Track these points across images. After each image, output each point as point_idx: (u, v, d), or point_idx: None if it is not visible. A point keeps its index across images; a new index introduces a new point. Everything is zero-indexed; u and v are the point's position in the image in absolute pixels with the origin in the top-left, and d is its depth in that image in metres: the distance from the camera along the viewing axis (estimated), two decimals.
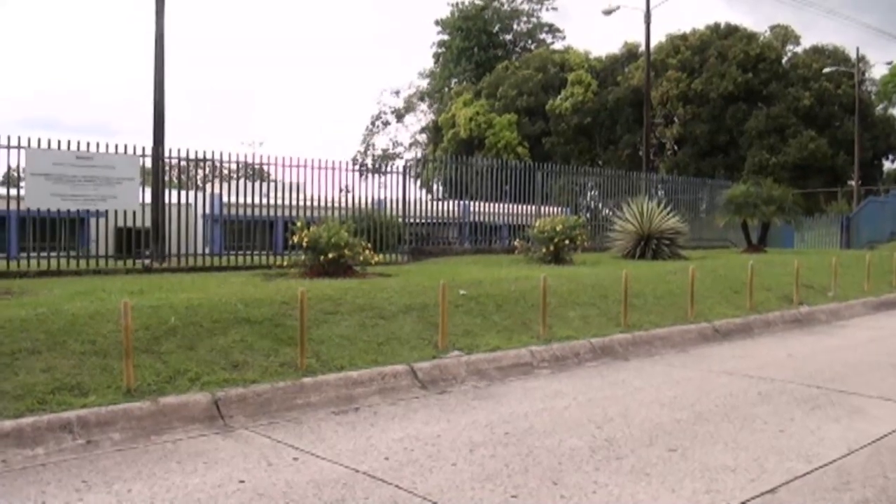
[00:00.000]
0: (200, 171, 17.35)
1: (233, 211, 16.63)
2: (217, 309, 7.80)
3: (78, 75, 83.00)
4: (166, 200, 15.25)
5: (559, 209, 20.72)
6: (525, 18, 59.00)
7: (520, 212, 20.83)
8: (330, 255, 11.55)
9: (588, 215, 22.86)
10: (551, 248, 15.40)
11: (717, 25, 45.60)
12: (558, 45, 55.98)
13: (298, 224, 12.17)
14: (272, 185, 17.61)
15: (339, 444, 5.40)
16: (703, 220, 25.47)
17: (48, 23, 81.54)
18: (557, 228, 15.41)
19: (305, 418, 6.10)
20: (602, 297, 10.83)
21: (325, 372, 6.86)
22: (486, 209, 20.37)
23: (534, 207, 20.80)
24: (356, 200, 17.55)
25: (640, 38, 39.44)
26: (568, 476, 4.75)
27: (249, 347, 7.11)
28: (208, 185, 17.75)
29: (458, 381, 7.37)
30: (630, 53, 47.40)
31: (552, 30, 59.39)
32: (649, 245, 17.50)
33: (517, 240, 17.59)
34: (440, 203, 20.79)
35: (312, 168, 16.68)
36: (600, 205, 24.62)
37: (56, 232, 14.29)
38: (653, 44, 33.30)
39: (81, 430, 5.44)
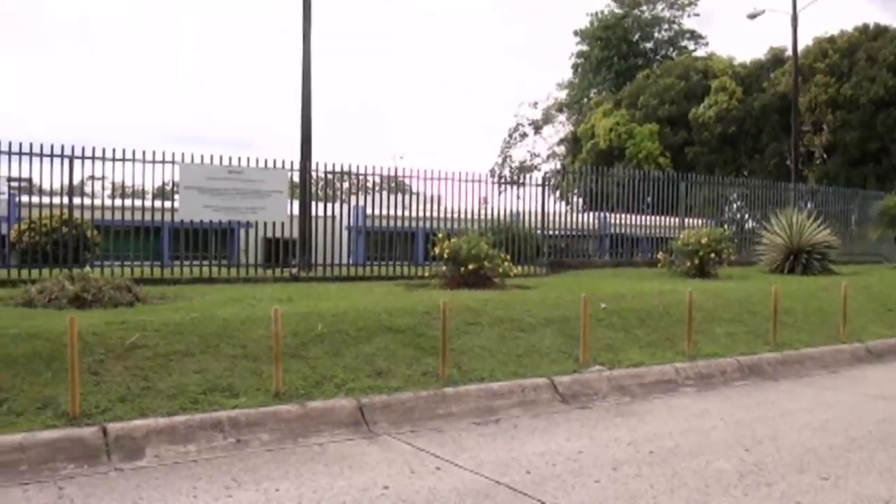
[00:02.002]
0: (344, 184, 17.80)
1: (375, 222, 16.96)
2: (362, 317, 7.98)
3: (223, 94, 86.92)
4: (312, 212, 15.71)
5: (702, 221, 20.13)
6: (666, 25, 57.69)
7: (662, 224, 20.35)
8: (470, 267, 11.62)
9: (733, 228, 22.09)
10: (696, 261, 14.99)
11: (865, 27, 43.20)
12: (701, 52, 54.41)
13: (440, 235, 12.30)
14: (412, 197, 17.87)
15: (481, 455, 5.40)
16: (854, 233, 24.16)
17: (198, 45, 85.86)
18: (703, 241, 14.98)
19: (447, 427, 6.15)
20: (749, 313, 10.44)
21: (465, 382, 6.90)
22: (627, 221, 19.98)
23: (676, 219, 20.28)
24: (494, 212, 17.58)
25: (785, 42, 37.73)
26: (715, 500, 4.59)
27: (393, 356, 7.23)
28: (351, 198, 18.18)
29: (600, 397, 7.25)
30: (775, 58, 45.57)
31: (694, 36, 57.84)
32: (798, 259, 16.77)
33: (660, 252, 17.19)
34: (579, 215, 20.56)
35: (451, 180, 16.82)
36: (746, 216, 23.78)
37: (206, 242, 14.96)
38: (799, 47, 31.80)
39: (232, 429, 5.67)
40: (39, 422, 5.40)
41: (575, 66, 58.60)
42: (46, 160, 13.34)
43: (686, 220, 20.13)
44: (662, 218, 20.48)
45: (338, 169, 15.93)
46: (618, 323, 9.19)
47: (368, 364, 6.99)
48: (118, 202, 14.82)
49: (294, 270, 14.90)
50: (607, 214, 20.13)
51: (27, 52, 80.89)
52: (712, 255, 15.02)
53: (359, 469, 5.07)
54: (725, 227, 19.95)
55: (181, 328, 7.14)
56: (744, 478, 5.00)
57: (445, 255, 11.99)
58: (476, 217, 16.99)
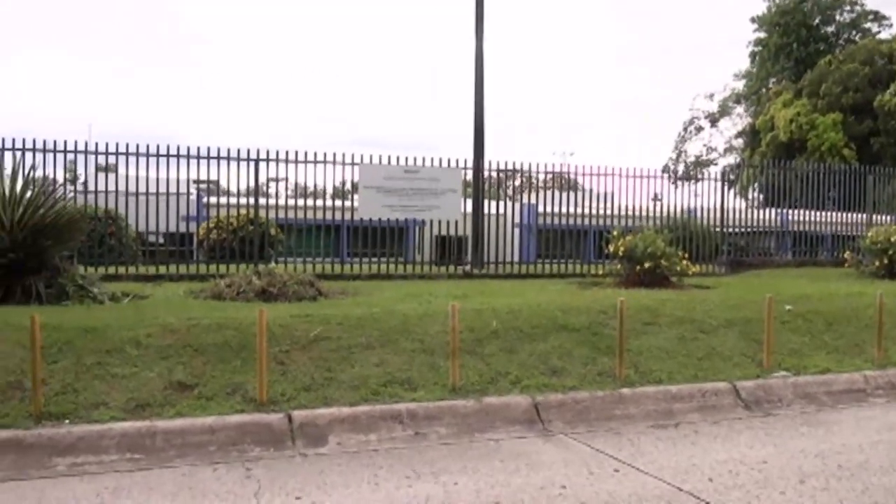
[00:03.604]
0: (514, 182, 17.90)
1: (545, 220, 16.93)
2: (536, 315, 7.99)
3: (397, 96, 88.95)
4: (484, 210, 15.88)
5: (891, 217, 18.84)
6: (848, 7, 54.28)
7: (847, 220, 19.20)
8: (646, 265, 11.41)
9: None
10: (885, 261, 14.06)
11: None
12: (885, 34, 50.88)
13: (615, 233, 12.17)
14: (583, 194, 17.73)
15: (660, 460, 5.29)
16: None
17: (371, 50, 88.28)
18: (892, 239, 14.03)
19: (624, 430, 6.06)
20: None
21: (643, 384, 6.78)
22: (810, 217, 19.00)
23: (863, 215, 19.09)
24: (668, 209, 17.18)
25: None
26: None
27: (567, 354, 7.20)
28: (521, 195, 18.25)
29: (784, 404, 6.94)
30: None
31: (878, 17, 54.04)
32: None
33: (846, 252, 16.24)
34: (758, 211, 19.72)
35: (622, 177, 16.55)
36: None
37: (383, 239, 15.40)
38: None
39: (410, 421, 5.84)
40: (228, 406, 5.76)
41: (752, 55, 56.16)
42: (233, 163, 14.20)
43: (874, 216, 18.91)
44: (848, 214, 19.32)
45: (509, 167, 16.02)
46: (803, 326, 8.76)
47: (543, 362, 6.99)
48: (299, 202, 15.51)
49: (467, 267, 15.11)
50: (787, 210, 19.23)
51: (212, 65, 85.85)
52: None
53: (535, 467, 5.08)
54: None
55: (362, 322, 7.39)
56: None
57: (620, 253, 11.82)
58: (649, 214, 16.65)
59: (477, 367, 6.71)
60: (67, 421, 5.42)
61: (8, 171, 10.01)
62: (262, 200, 14.89)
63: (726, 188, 17.85)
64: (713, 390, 6.84)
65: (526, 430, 5.93)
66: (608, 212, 16.53)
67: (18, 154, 12.22)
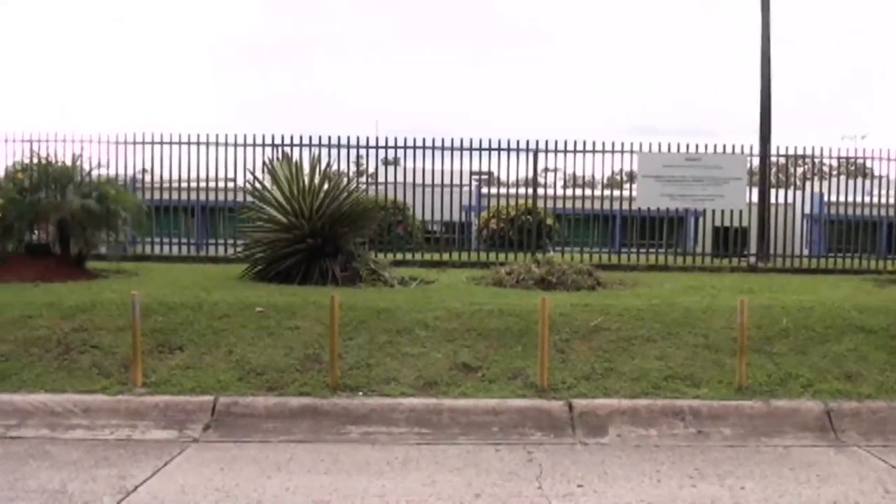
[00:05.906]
0: (799, 169, 16.87)
1: (837, 210, 15.81)
2: (829, 314, 7.54)
3: (673, 81, 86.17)
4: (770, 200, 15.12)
5: None
6: None
7: None
8: None
9: None
10: None
11: None
12: None
13: None
14: (878, 181, 16.38)
15: None
16: None
17: (646, 34, 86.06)
18: None
19: None
20: None
21: None
22: None
23: None
24: None
25: None
26: None
27: (863, 358, 6.70)
28: (807, 183, 17.20)
29: None
30: None
31: None
32: None
33: None
34: None
35: None
36: None
37: (660, 230, 15.12)
38: None
39: (693, 419, 5.71)
40: (510, 390, 5.96)
41: None
42: (511, 154, 14.58)
43: None
44: None
45: (798, 152, 15.09)
46: None
47: (837, 366, 6.55)
48: (577, 192, 15.65)
49: (751, 260, 14.48)
50: None
51: (489, 58, 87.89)
52: None
53: (827, 480, 4.80)
54: None
55: (642, 314, 7.36)
56: None
57: None
58: None
59: (765, 367, 6.44)
60: (361, 393, 5.89)
61: (306, 165, 10.96)
62: (538, 191, 15.16)
63: None
64: None
65: (817, 439, 5.60)
66: None
67: (314, 150, 13.36)
